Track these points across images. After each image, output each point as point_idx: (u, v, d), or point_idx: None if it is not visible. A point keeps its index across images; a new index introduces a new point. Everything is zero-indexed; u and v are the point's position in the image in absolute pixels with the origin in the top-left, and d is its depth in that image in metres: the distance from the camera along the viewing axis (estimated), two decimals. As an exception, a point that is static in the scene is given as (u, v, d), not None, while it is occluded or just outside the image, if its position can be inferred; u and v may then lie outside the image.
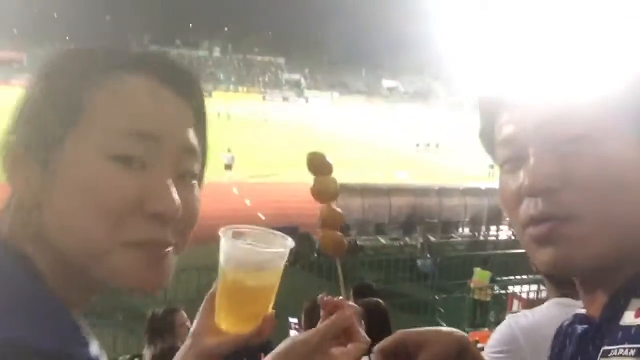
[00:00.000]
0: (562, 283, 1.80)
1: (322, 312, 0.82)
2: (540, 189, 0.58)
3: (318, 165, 0.99)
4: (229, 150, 23.26)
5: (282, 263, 0.83)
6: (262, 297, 0.83)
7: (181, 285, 11.31)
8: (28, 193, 0.57)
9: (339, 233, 0.96)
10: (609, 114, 0.56)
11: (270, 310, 0.82)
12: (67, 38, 77.83)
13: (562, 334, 0.70)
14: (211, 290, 0.89)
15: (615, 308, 0.54)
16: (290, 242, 0.83)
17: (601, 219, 0.56)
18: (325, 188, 0.99)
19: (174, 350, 3.66)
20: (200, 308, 0.86)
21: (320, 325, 0.76)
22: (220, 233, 0.81)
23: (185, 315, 4.41)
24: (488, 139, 0.69)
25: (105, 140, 0.57)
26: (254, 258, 0.80)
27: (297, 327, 5.94)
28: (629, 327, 0.50)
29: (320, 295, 0.85)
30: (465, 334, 0.82)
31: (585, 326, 0.61)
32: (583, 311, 0.67)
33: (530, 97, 0.62)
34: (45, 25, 76.80)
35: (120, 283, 0.60)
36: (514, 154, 0.62)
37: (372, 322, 3.13)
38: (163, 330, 4.33)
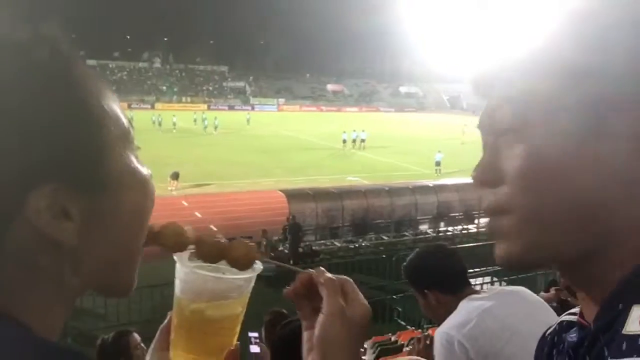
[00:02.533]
0: (570, 288, 1.84)
1: (297, 284, 0.75)
2: (479, 182, 0.58)
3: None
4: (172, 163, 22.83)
5: (248, 290, 0.74)
6: (226, 329, 0.74)
7: (134, 305, 10.97)
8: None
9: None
10: (541, 103, 0.54)
11: (234, 342, 0.75)
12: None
13: (548, 346, 0.66)
14: (165, 323, 0.79)
15: (612, 313, 0.49)
16: (257, 266, 0.74)
17: (532, 210, 0.54)
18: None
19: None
20: (153, 344, 0.78)
21: (325, 298, 0.71)
22: (175, 256, 0.71)
23: (138, 337, 4.23)
24: None
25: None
26: (215, 286, 0.71)
27: (257, 341, 5.82)
28: (635, 337, 0.44)
29: (285, 290, 0.77)
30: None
31: (578, 336, 0.57)
32: (569, 318, 0.64)
33: (482, 89, 0.61)
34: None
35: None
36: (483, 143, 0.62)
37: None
38: (117, 355, 4.14)
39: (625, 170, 0.50)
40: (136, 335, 4.23)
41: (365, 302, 0.75)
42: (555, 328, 0.66)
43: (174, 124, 46.84)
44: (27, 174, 0.47)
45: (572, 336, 0.59)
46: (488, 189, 0.57)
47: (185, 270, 0.71)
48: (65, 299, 0.54)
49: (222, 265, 0.73)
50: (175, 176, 22.77)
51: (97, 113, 0.52)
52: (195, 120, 50.95)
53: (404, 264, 2.26)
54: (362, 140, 38.34)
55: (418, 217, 17.78)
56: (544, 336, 0.69)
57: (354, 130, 38.92)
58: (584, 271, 0.55)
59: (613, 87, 0.50)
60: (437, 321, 2.06)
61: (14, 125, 0.47)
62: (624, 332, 0.46)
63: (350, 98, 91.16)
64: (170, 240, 0.69)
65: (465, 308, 1.90)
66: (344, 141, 38.10)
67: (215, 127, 45.74)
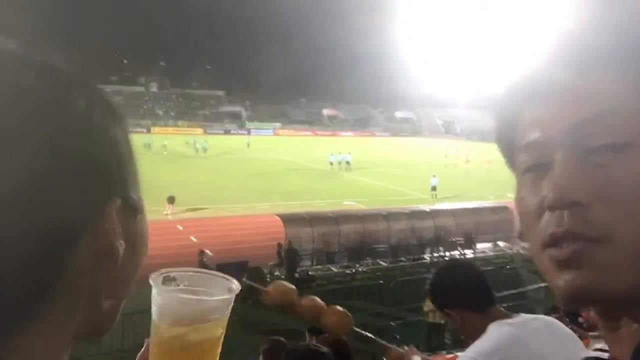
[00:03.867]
0: (572, 315, 1.79)
1: None
2: (566, 203, 0.49)
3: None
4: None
5: (227, 311, 0.72)
6: (207, 352, 0.71)
7: (128, 332, 10.78)
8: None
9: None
10: None
11: None
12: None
13: None
14: (142, 351, 0.77)
15: None
16: (236, 286, 0.72)
17: (637, 242, 0.47)
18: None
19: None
20: None
21: None
22: (151, 280, 0.69)
23: None
24: (506, 144, 0.59)
25: None
26: (196, 309, 0.68)
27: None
28: None
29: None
30: None
31: None
32: (598, 354, 0.62)
33: (560, 94, 0.52)
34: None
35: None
36: (537, 161, 0.53)
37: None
38: None
39: None
40: None
41: None
42: None
43: (165, 146, 47.12)
44: (105, 182, 0.45)
45: None
46: (573, 211, 0.50)
47: (163, 295, 0.69)
48: (86, 324, 0.48)
49: (199, 287, 0.71)
50: (171, 200, 22.72)
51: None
52: (187, 143, 51.11)
53: (429, 283, 2.17)
54: (347, 163, 39.85)
55: (415, 242, 17.74)
56: None
57: (340, 153, 40.49)
58: (637, 307, 0.50)
59: None
60: (468, 340, 1.95)
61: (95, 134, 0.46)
62: None
63: (345, 123, 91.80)
64: (278, 300, 0.69)
65: (496, 334, 1.79)
66: (331, 163, 39.70)
67: (205, 150, 46.16)
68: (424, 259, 17.71)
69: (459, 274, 2.10)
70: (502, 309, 1.97)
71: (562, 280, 0.51)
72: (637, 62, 0.49)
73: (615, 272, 0.48)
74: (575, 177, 0.49)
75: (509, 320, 1.84)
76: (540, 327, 1.83)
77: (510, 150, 0.58)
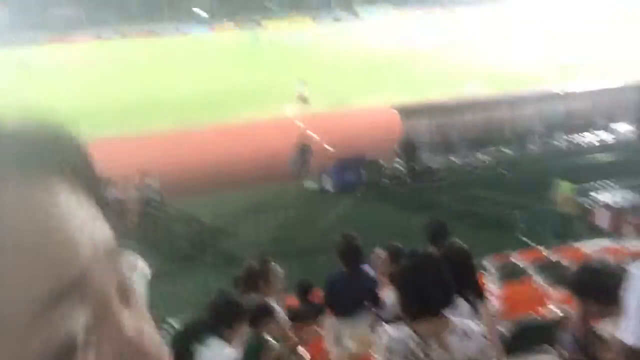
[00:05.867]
0: None
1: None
2: None
3: None
4: (300, 81, 22.60)
5: None
6: None
7: (261, 225, 11.70)
8: None
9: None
10: None
11: None
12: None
13: None
14: None
15: None
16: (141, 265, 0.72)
17: None
18: None
19: (264, 308, 3.81)
20: None
21: None
22: None
23: (278, 267, 4.60)
24: None
25: None
26: None
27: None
28: None
29: None
30: None
31: None
32: None
33: None
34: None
35: None
36: None
37: (458, 268, 3.06)
38: (257, 279, 4.56)
39: None
40: (276, 266, 4.62)
41: None
42: None
43: (271, 41, 47.33)
44: None
45: None
46: None
47: None
48: None
49: None
50: (304, 99, 22.41)
51: None
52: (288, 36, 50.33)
53: (571, 275, 2.53)
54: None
55: (543, 129, 16.58)
56: None
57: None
58: None
59: None
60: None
61: None
62: None
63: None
64: None
65: None
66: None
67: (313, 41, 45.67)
68: (553, 144, 16.61)
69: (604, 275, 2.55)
70: None
71: None
72: None
73: None
74: None
75: None
76: None
77: None
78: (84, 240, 0.41)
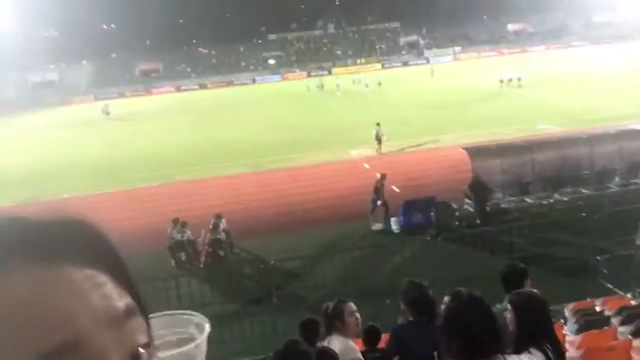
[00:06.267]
0: None
1: None
2: None
3: None
4: (378, 125, 22.52)
5: (205, 347, 0.70)
6: None
7: (332, 266, 11.60)
8: None
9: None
10: None
11: None
12: (194, 42, 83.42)
13: None
14: None
15: None
16: (207, 327, 0.72)
17: None
18: None
19: (327, 355, 3.73)
20: None
21: None
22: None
23: (353, 306, 4.53)
24: None
25: None
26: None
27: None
28: None
29: None
30: None
31: None
32: None
33: None
34: (174, 32, 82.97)
35: None
36: None
37: (531, 315, 2.88)
38: (334, 319, 4.51)
39: None
40: (352, 304, 4.55)
41: None
42: None
43: (338, 85, 48.17)
44: None
45: None
46: None
47: None
48: None
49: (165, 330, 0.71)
50: (379, 139, 22.43)
51: None
52: (354, 81, 50.52)
53: None
54: (519, 79, 39.17)
55: (623, 168, 15.60)
56: None
57: (509, 71, 40.23)
58: None
59: None
60: None
61: None
62: None
63: (535, 36, 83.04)
64: None
65: None
66: (501, 81, 39.04)
67: (379, 84, 46.42)
68: (635, 184, 15.56)
69: None
70: None
71: None
72: None
73: None
74: None
75: None
76: None
77: None
78: (80, 308, 0.46)
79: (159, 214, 16.85)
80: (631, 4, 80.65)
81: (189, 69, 77.88)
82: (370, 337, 5.43)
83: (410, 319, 4.29)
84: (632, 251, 10.15)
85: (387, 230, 14.32)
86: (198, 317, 0.76)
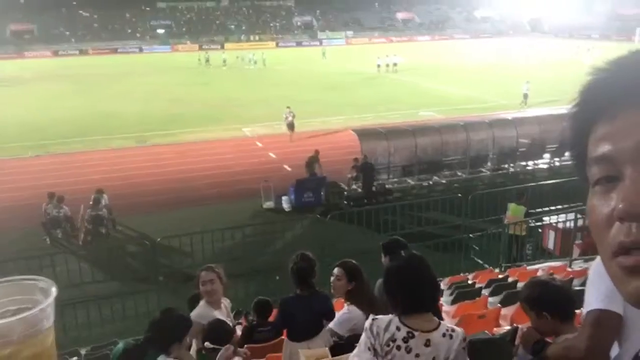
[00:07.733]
0: None
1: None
2: (635, 215, 0.53)
3: None
4: (288, 107, 21.57)
5: (53, 312, 0.71)
6: None
7: (222, 244, 11.47)
8: None
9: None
10: None
11: None
12: (74, 3, 76.80)
13: None
14: None
15: None
16: (55, 288, 0.71)
17: None
18: None
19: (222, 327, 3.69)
20: None
21: None
22: None
23: (209, 274, 4.47)
24: (579, 154, 0.62)
25: None
26: (27, 324, 0.68)
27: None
28: None
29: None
30: None
31: None
32: None
33: (633, 111, 0.54)
34: (51, -8, 75.63)
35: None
36: (607, 174, 0.57)
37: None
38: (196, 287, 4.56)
39: None
40: (205, 273, 4.49)
41: None
42: None
43: (224, 60, 48.06)
44: None
45: None
46: (637, 221, 0.53)
47: None
48: None
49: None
50: (292, 127, 21.28)
51: None
52: (237, 57, 50.79)
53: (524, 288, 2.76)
54: (395, 65, 41.83)
55: (494, 154, 17.06)
56: None
57: (387, 56, 42.58)
58: None
59: None
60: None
61: None
62: None
63: (421, 26, 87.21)
64: None
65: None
66: (378, 66, 41.28)
67: (264, 62, 47.12)
68: (505, 169, 17.12)
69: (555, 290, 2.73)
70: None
71: (630, 286, 0.55)
72: None
73: None
74: None
75: None
76: None
77: (582, 161, 0.61)
78: None
79: (33, 187, 15.62)
80: (508, 1, 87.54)
81: (67, 33, 71.49)
82: (260, 310, 5.46)
83: (298, 291, 4.38)
84: (500, 229, 11.17)
85: (278, 209, 14.43)
86: (44, 282, 0.73)
